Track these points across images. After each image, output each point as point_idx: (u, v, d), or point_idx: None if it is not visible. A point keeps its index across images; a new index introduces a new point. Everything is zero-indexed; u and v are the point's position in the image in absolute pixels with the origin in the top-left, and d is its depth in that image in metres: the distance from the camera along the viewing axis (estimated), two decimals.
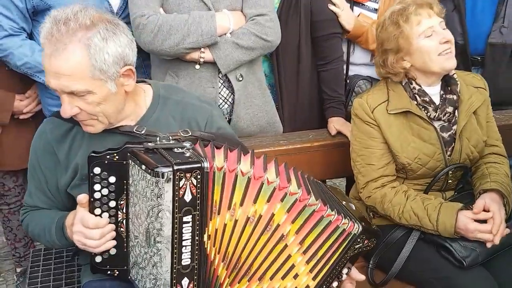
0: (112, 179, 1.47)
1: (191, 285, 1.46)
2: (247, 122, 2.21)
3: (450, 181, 2.01)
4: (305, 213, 1.49)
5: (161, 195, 1.37)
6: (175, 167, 1.36)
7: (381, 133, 1.95)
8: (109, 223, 1.50)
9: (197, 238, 1.42)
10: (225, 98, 2.18)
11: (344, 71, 2.50)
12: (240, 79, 2.15)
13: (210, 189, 1.43)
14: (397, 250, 1.97)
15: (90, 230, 1.45)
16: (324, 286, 1.54)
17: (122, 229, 1.52)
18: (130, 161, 1.45)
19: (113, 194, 1.48)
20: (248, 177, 1.45)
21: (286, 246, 1.50)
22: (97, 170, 1.46)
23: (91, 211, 1.48)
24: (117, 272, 1.56)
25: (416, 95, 1.94)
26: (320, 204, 1.49)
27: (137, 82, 1.64)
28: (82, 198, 1.47)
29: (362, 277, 1.65)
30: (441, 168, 1.97)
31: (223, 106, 2.18)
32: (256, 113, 2.23)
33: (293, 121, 2.44)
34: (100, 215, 1.49)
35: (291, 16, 2.30)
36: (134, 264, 1.52)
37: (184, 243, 1.42)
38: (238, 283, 1.52)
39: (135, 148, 1.46)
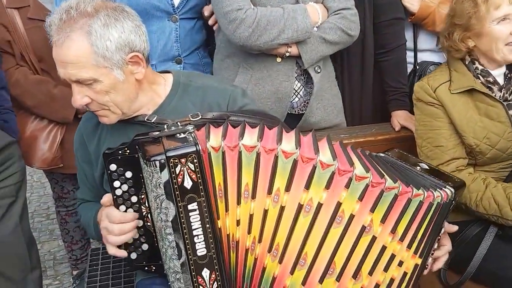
0: (129, 174, 1.49)
1: (213, 275, 1.42)
2: (318, 116, 2.24)
3: None
4: (386, 199, 1.39)
5: (159, 184, 1.36)
6: (168, 154, 1.35)
7: (446, 113, 1.93)
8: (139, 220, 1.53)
9: (208, 226, 1.39)
10: (296, 91, 2.21)
11: (413, 58, 2.45)
12: (319, 71, 2.18)
13: (232, 171, 1.38)
14: (472, 248, 1.92)
15: (112, 225, 1.48)
16: (428, 255, 1.52)
17: (148, 223, 1.53)
18: (139, 154, 1.46)
19: (133, 189, 1.50)
20: (294, 159, 1.38)
21: (374, 238, 1.42)
22: (113, 166, 1.48)
23: (117, 208, 1.52)
24: (153, 268, 1.59)
25: (479, 75, 1.93)
26: (402, 186, 1.40)
27: (161, 72, 1.69)
28: (106, 201, 1.52)
29: (454, 228, 1.60)
30: None
31: (293, 99, 2.21)
32: (326, 107, 2.25)
33: (357, 113, 2.44)
34: (125, 212, 1.52)
35: (355, 0, 2.26)
36: (163, 258, 1.55)
37: (195, 232, 1.38)
38: (320, 283, 1.44)
39: (142, 140, 1.46)
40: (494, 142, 1.90)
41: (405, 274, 1.48)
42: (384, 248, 1.43)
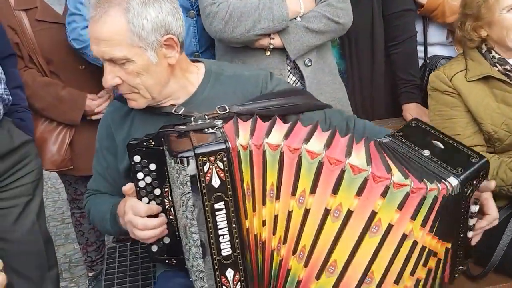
0: (153, 166, 1.48)
1: (237, 275, 1.39)
2: None
3: None
4: (426, 204, 1.33)
5: (186, 182, 1.33)
6: (197, 151, 1.31)
7: (462, 101, 1.94)
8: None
9: (234, 226, 1.36)
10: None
11: (423, 52, 2.48)
12: (309, 64, 2.16)
13: (259, 171, 1.37)
14: (495, 237, 1.85)
15: (139, 219, 1.46)
16: (462, 235, 1.46)
17: (171, 217, 1.51)
18: (165, 147, 1.44)
19: (156, 181, 1.48)
20: (319, 160, 1.33)
21: (416, 242, 1.36)
22: (137, 158, 1.47)
23: (139, 200, 1.51)
24: (174, 261, 1.58)
25: (496, 64, 1.95)
26: (440, 186, 1.33)
27: (192, 61, 1.67)
28: (128, 189, 1.49)
29: (492, 184, 1.49)
30: None
31: None
32: (327, 101, 2.23)
33: (369, 109, 2.45)
34: (148, 204, 1.51)
35: None
36: (185, 254, 1.54)
37: (220, 232, 1.36)
38: None
39: (168, 132, 1.44)
40: None
41: (439, 260, 1.44)
42: (424, 248, 1.39)
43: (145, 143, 1.46)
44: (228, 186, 1.34)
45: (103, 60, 1.47)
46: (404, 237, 1.35)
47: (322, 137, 1.40)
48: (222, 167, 1.32)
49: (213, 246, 1.35)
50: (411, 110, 2.39)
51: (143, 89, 1.51)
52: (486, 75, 1.93)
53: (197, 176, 1.31)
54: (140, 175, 1.47)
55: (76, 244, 3.48)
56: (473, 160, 1.39)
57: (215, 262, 1.37)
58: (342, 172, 1.33)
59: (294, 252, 1.40)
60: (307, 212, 1.36)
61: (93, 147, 2.48)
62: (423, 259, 1.39)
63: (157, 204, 1.50)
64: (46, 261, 2.24)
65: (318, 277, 1.40)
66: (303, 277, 1.41)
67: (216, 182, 1.33)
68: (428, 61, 2.46)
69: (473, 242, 1.52)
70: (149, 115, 1.60)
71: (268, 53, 2.13)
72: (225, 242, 1.36)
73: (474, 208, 1.45)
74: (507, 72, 1.93)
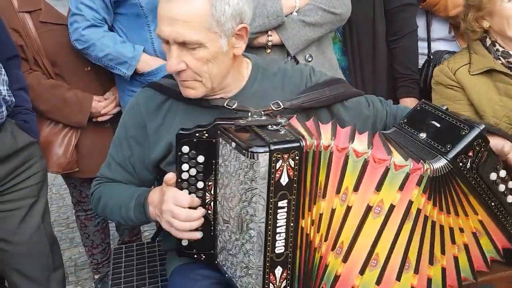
0: (201, 159, 1.46)
1: (285, 273, 1.42)
2: None
3: None
4: (437, 185, 1.40)
5: (256, 177, 1.32)
6: (272, 147, 1.31)
7: (465, 95, 2.00)
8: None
9: (292, 224, 1.38)
10: None
11: (426, 48, 2.50)
12: (310, 59, 2.17)
13: (315, 170, 1.39)
14: None
15: (181, 209, 1.43)
16: (493, 204, 1.47)
17: (209, 211, 1.50)
18: (220, 139, 1.43)
19: (201, 174, 1.47)
20: (365, 159, 1.38)
21: (434, 223, 1.42)
22: (185, 149, 1.45)
23: None
24: (203, 256, 1.56)
25: (500, 57, 1.99)
26: (425, 166, 1.39)
27: None
28: (171, 177, 1.46)
29: (508, 145, 1.48)
30: None
31: None
32: None
33: None
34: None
35: None
36: (222, 249, 1.52)
37: (278, 230, 1.37)
38: (398, 280, 1.42)
39: (226, 125, 1.43)
40: None
41: (474, 234, 1.49)
42: (442, 228, 1.44)
43: (197, 134, 1.44)
44: (294, 185, 1.35)
45: (172, 43, 1.41)
46: (426, 219, 1.40)
47: (363, 137, 1.44)
48: (292, 166, 1.33)
49: (269, 243, 1.36)
50: (407, 103, 2.40)
51: (207, 77, 1.47)
52: (489, 68, 1.97)
53: (268, 173, 1.31)
54: (185, 167, 1.45)
55: (81, 247, 3.50)
56: (463, 133, 1.40)
57: (268, 259, 1.38)
58: (387, 169, 1.37)
59: (333, 248, 1.44)
60: (348, 209, 1.40)
61: (99, 149, 2.53)
62: (448, 237, 1.44)
63: (198, 197, 1.48)
64: (51, 263, 2.25)
65: (362, 272, 1.42)
66: (341, 272, 1.43)
67: (284, 180, 1.33)
68: (431, 57, 2.48)
69: None
70: (192, 107, 1.56)
71: (269, 50, 2.14)
72: (280, 240, 1.38)
73: (498, 175, 1.45)
74: (510, 65, 1.97)
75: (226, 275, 1.50)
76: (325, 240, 1.43)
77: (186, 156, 1.45)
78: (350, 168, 1.39)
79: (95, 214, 2.84)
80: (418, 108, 1.58)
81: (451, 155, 1.38)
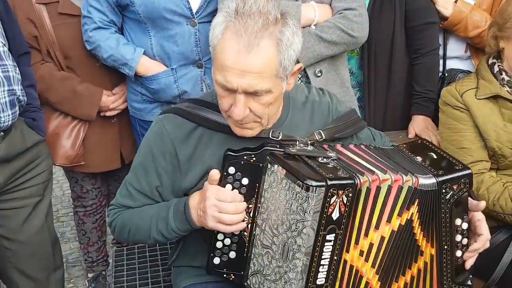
0: (245, 181, 1.53)
1: None
2: None
3: None
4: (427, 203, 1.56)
5: (309, 210, 1.39)
6: (329, 183, 1.38)
7: (471, 117, 2.14)
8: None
9: (336, 258, 1.48)
10: None
11: (441, 65, 2.59)
12: (319, 75, 2.27)
13: (367, 205, 1.50)
14: (498, 255, 2.07)
15: (226, 203, 1.48)
16: (446, 246, 1.59)
17: (245, 233, 1.57)
18: (269, 165, 1.50)
19: (243, 196, 1.54)
20: (389, 184, 1.50)
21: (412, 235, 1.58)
22: (231, 170, 1.52)
23: None
24: (233, 277, 1.62)
25: (506, 85, 2.13)
26: (414, 179, 1.54)
27: None
28: (215, 173, 1.50)
29: (481, 204, 1.62)
30: None
31: None
32: None
33: (383, 121, 2.57)
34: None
35: (385, 4, 2.42)
36: (257, 273, 1.58)
37: (322, 262, 1.46)
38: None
39: (275, 152, 1.51)
40: None
41: (425, 264, 1.60)
42: (414, 240, 1.58)
43: (245, 157, 1.52)
44: (343, 221, 1.44)
45: (240, 92, 1.44)
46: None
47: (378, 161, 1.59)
48: (345, 202, 1.42)
49: (312, 274, 1.46)
50: (417, 125, 2.52)
51: (266, 118, 1.53)
52: (496, 94, 2.11)
53: (322, 207, 1.40)
54: (228, 187, 1.52)
55: (73, 243, 3.56)
56: (456, 168, 1.56)
57: None
58: (401, 188, 1.52)
59: (377, 272, 1.57)
60: (393, 233, 1.53)
61: (104, 143, 2.65)
62: (414, 253, 1.58)
63: None
64: (52, 262, 2.32)
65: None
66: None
67: (335, 215, 1.42)
68: (446, 74, 2.59)
69: (467, 265, 1.64)
70: (227, 136, 1.61)
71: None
72: (322, 271, 1.47)
73: (461, 224, 1.60)
74: None
75: None
76: (373, 267, 1.55)
77: (231, 177, 1.53)
78: (380, 196, 1.51)
79: (94, 211, 2.91)
80: (419, 141, 1.73)
81: (441, 178, 1.53)
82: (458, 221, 1.58)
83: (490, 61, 2.18)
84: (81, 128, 2.58)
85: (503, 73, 2.13)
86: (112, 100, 2.57)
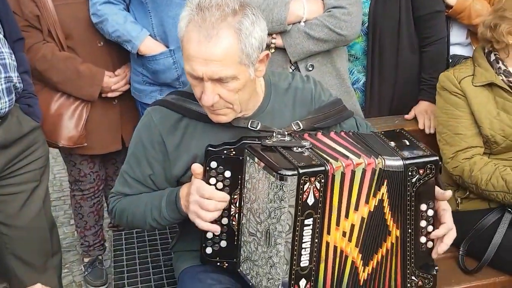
0: (228, 174, 1.62)
1: (308, 285, 1.60)
2: None
3: None
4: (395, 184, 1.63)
5: (284, 198, 1.50)
6: (301, 171, 1.49)
7: (467, 103, 2.22)
8: (223, 216, 1.65)
9: (316, 240, 1.57)
10: None
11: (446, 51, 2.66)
12: (310, 69, 2.34)
13: (344, 188, 1.57)
14: (489, 236, 2.19)
15: (206, 200, 1.57)
16: (410, 230, 1.65)
17: (234, 222, 1.67)
18: (247, 158, 1.59)
19: (228, 188, 1.63)
20: (363, 168, 1.58)
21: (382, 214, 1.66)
22: (213, 164, 1.61)
23: None
24: (226, 264, 1.72)
25: (502, 74, 2.21)
26: (378, 160, 1.61)
27: None
28: (197, 167, 1.59)
29: (447, 193, 1.69)
30: None
31: None
32: None
33: (390, 107, 2.63)
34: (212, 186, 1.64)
35: None
36: (247, 259, 1.68)
37: (304, 245, 1.55)
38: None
39: (253, 145, 1.60)
40: (508, 134, 2.20)
41: (392, 244, 1.67)
42: (385, 219, 1.66)
43: (225, 151, 1.61)
44: (319, 205, 1.54)
45: (206, 79, 1.54)
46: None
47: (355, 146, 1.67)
48: (318, 187, 1.52)
49: (295, 257, 1.56)
50: (418, 107, 2.59)
51: (237, 104, 1.63)
52: (491, 82, 2.19)
53: (296, 194, 1.50)
54: (212, 181, 1.61)
55: (66, 228, 3.57)
56: (424, 154, 1.65)
57: (293, 272, 1.57)
58: (374, 171, 1.60)
59: (361, 251, 1.65)
60: (370, 213, 1.62)
61: (106, 125, 2.68)
62: (385, 232, 1.65)
63: (224, 209, 1.64)
64: (50, 248, 2.34)
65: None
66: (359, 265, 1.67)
67: (310, 200, 1.52)
68: (450, 60, 2.67)
69: (433, 254, 1.70)
70: (211, 125, 1.71)
71: (273, 50, 2.30)
72: (305, 254, 1.57)
73: (427, 210, 1.66)
74: (510, 84, 2.20)
75: (250, 284, 1.67)
76: (357, 246, 1.64)
77: (214, 171, 1.61)
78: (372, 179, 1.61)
79: (91, 195, 2.93)
80: (397, 130, 1.81)
81: (407, 161, 1.61)
82: (423, 207, 1.65)
83: (487, 49, 2.24)
84: (83, 108, 2.60)
85: (500, 62, 2.19)
86: (114, 82, 2.59)
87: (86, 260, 3.09)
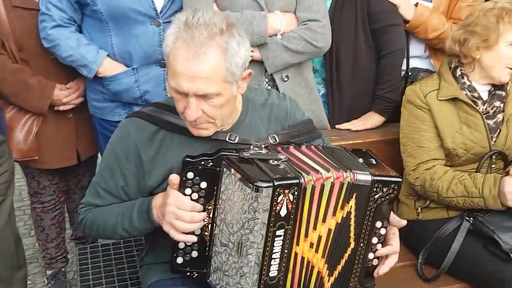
0: (204, 185, 1.65)
1: None
2: None
3: (493, 165, 2.34)
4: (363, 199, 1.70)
5: (259, 209, 1.54)
6: (276, 183, 1.53)
7: (431, 117, 2.31)
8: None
9: (286, 251, 1.62)
10: None
11: (405, 64, 2.74)
12: (285, 79, 2.43)
13: (314, 201, 1.63)
14: (447, 245, 2.29)
15: (184, 212, 1.60)
16: (362, 244, 1.72)
17: (206, 233, 1.70)
18: (224, 169, 1.63)
19: (202, 199, 1.66)
20: (332, 182, 1.64)
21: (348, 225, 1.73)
22: (190, 175, 1.64)
23: None
24: (196, 274, 1.75)
25: (466, 89, 2.30)
26: (351, 174, 1.67)
27: None
28: (174, 178, 1.62)
29: (402, 222, 1.77)
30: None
31: None
32: None
33: (349, 115, 2.69)
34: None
35: (346, 6, 2.55)
36: (217, 270, 1.71)
37: (273, 255, 1.61)
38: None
39: (230, 156, 1.64)
40: (469, 148, 2.30)
41: (349, 256, 1.74)
42: (350, 231, 1.73)
43: (202, 162, 1.64)
44: (291, 216, 1.59)
45: (191, 95, 1.58)
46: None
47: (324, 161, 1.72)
48: (291, 199, 1.57)
49: (264, 267, 1.61)
50: (369, 115, 2.68)
51: (219, 119, 1.68)
52: (455, 97, 2.29)
53: (270, 205, 1.54)
54: (188, 191, 1.65)
55: (27, 239, 3.54)
56: (391, 174, 1.72)
57: (262, 281, 1.62)
58: (342, 184, 1.67)
59: (326, 262, 1.72)
60: (337, 225, 1.68)
61: (60, 139, 2.67)
62: (347, 244, 1.72)
63: None
64: (15, 261, 2.29)
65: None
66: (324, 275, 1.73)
67: (283, 212, 1.57)
68: (409, 73, 2.76)
69: (375, 273, 1.78)
70: (189, 138, 1.74)
71: (247, 64, 2.30)
72: (274, 265, 1.62)
73: (380, 228, 1.73)
74: (474, 99, 2.30)
75: None
76: (323, 257, 1.71)
77: (190, 181, 1.64)
78: (324, 194, 1.66)
79: (52, 207, 2.92)
80: (364, 150, 1.89)
81: (376, 177, 1.68)
82: (378, 224, 1.73)
83: (453, 64, 2.33)
84: (34, 121, 2.59)
85: (465, 77, 2.29)
86: (65, 94, 2.58)
87: (49, 272, 3.09)
